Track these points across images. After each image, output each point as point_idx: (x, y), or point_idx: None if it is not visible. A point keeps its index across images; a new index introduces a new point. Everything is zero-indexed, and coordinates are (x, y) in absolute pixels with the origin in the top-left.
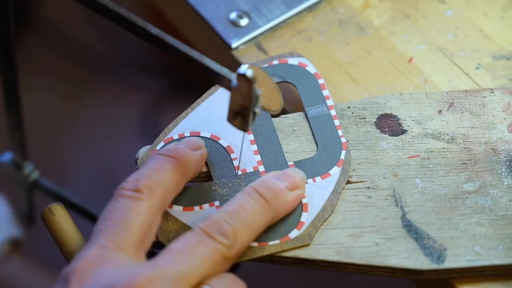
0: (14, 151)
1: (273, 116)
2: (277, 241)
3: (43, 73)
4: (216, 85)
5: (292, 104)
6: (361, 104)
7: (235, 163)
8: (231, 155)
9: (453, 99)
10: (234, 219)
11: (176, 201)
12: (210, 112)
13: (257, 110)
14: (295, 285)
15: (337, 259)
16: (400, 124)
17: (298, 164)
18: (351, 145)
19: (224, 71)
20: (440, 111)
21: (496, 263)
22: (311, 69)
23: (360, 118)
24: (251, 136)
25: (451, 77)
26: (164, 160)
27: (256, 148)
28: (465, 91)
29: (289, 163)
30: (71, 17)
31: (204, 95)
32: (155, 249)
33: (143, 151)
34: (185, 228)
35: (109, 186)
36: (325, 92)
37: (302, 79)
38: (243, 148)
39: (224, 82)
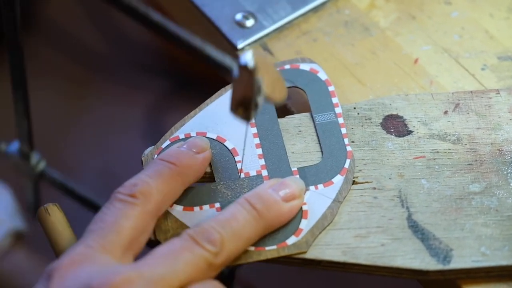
0: (21, 141)
1: (279, 116)
2: (274, 247)
3: (46, 73)
4: (226, 87)
5: (299, 106)
6: (367, 105)
7: (239, 166)
8: (235, 157)
9: (459, 100)
10: (224, 228)
11: (177, 200)
12: (218, 113)
13: (260, 100)
14: (296, 285)
15: (343, 259)
16: (406, 125)
17: (301, 170)
18: (357, 146)
19: (226, 60)
20: (446, 112)
21: (502, 264)
22: (322, 75)
23: (366, 119)
24: (256, 140)
25: (456, 78)
26: (163, 166)
27: (261, 152)
28: (471, 92)
29: (293, 169)
30: (75, 17)
31: (213, 96)
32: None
33: (148, 150)
34: (184, 228)
35: (111, 186)
36: (335, 100)
37: (313, 85)
38: (248, 151)
39: (225, 71)
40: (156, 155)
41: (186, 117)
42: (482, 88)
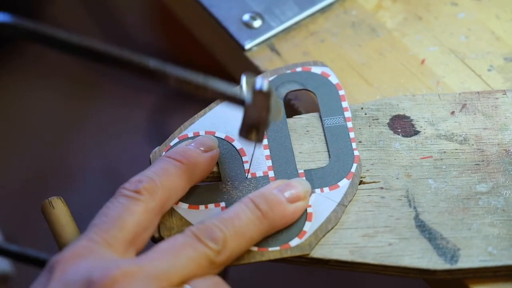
0: None
1: (287, 116)
2: (277, 248)
3: (51, 74)
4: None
5: (306, 106)
6: (374, 105)
7: (246, 166)
8: (243, 157)
9: (465, 101)
10: (227, 226)
11: (183, 198)
12: (228, 113)
13: (270, 121)
14: (298, 286)
15: (351, 259)
16: (413, 125)
17: (308, 173)
18: (364, 146)
19: (236, 92)
20: (452, 113)
21: (509, 264)
22: (333, 79)
23: (373, 119)
24: (265, 141)
25: (463, 79)
26: (170, 163)
27: (269, 153)
28: (478, 92)
29: (299, 171)
30: (79, 18)
31: None
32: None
33: (157, 149)
34: (188, 226)
35: (115, 188)
36: (344, 104)
37: (323, 88)
38: (255, 152)
39: (236, 101)
40: (164, 152)
41: (195, 115)
42: (489, 89)
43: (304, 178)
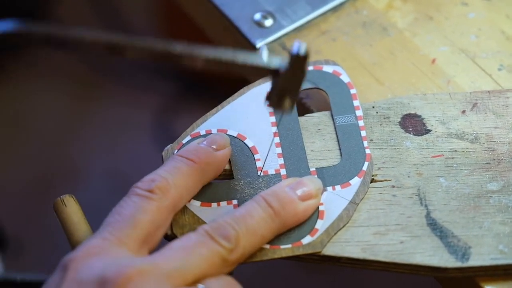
0: None
1: (298, 115)
2: (289, 246)
3: (57, 74)
4: (248, 86)
5: (318, 105)
6: (386, 104)
7: (258, 164)
8: (255, 155)
9: (476, 100)
10: (239, 224)
11: (195, 196)
12: (240, 112)
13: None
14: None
15: (363, 256)
16: (424, 124)
17: (320, 171)
18: (375, 144)
19: (268, 61)
20: (463, 112)
21: None
22: (345, 78)
23: (384, 118)
24: (277, 139)
25: (473, 78)
26: (182, 162)
27: (281, 151)
28: (488, 91)
29: (311, 169)
30: (85, 19)
31: (236, 94)
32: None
33: (169, 146)
34: (201, 223)
35: (120, 189)
36: (356, 102)
37: (335, 87)
38: (268, 149)
39: (269, 71)
40: (176, 150)
41: (208, 113)
42: (499, 88)
43: (316, 176)
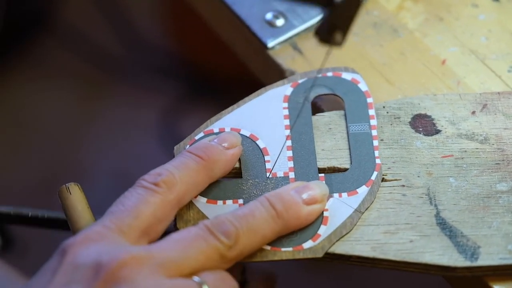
0: None
1: (313, 113)
2: (290, 249)
3: (62, 75)
4: (265, 87)
5: (329, 105)
6: (396, 104)
7: (267, 165)
8: (265, 157)
9: (486, 101)
10: (240, 222)
11: (202, 192)
12: (255, 112)
13: None
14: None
15: (372, 255)
16: (434, 124)
17: (328, 177)
18: (385, 144)
19: None
20: (473, 112)
21: None
22: (363, 86)
23: (395, 118)
24: (289, 142)
25: (483, 79)
26: (190, 158)
27: (291, 155)
28: (498, 93)
29: (320, 175)
30: (91, 19)
31: (252, 94)
32: None
33: (182, 142)
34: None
35: (126, 188)
36: (371, 112)
37: (351, 94)
38: (278, 152)
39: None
40: (188, 146)
41: (223, 111)
42: (509, 89)
43: (323, 181)
